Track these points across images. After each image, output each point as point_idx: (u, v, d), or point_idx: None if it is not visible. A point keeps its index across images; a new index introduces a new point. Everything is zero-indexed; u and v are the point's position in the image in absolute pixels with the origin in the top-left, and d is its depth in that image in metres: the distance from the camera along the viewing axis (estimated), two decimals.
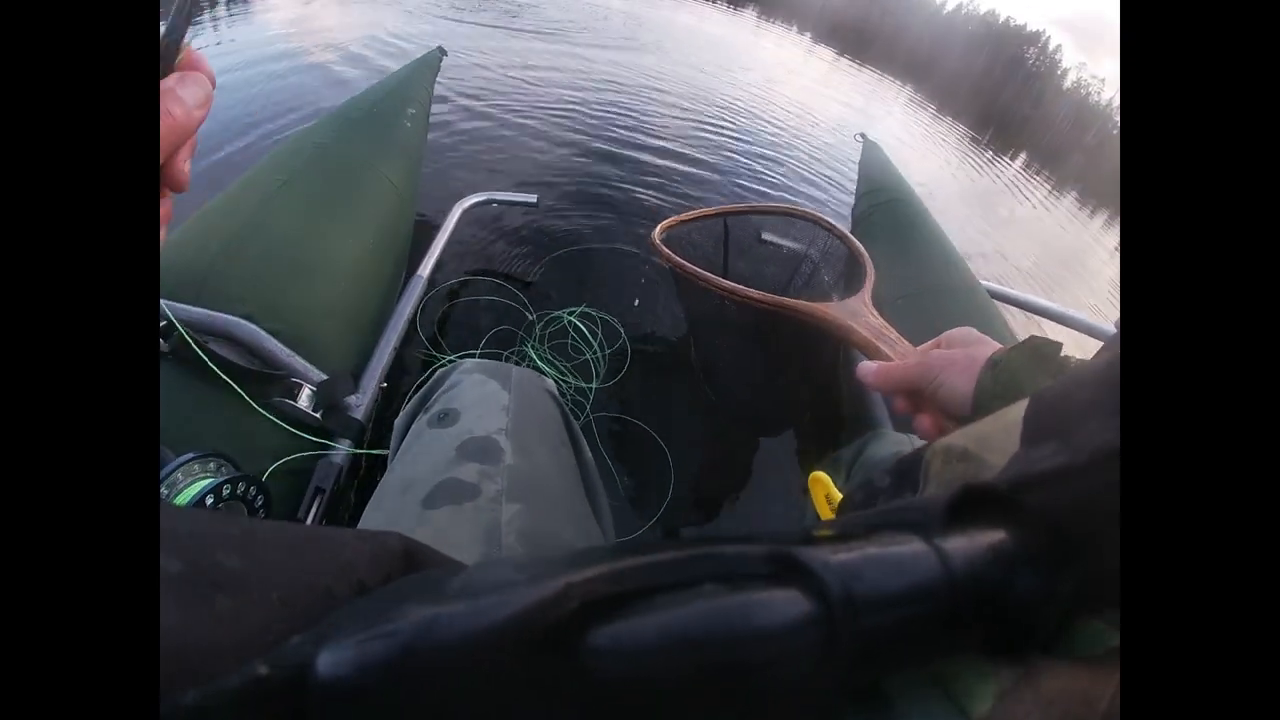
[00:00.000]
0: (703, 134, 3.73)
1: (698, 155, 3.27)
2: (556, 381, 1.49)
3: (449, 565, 0.26)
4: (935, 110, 10.56)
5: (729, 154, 3.46)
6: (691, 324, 1.50)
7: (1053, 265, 4.82)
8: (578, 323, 1.68)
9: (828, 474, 0.84)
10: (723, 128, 3.99)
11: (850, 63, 10.95)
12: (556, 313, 1.70)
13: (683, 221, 1.37)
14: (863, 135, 2.51)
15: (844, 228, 1.34)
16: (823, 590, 0.16)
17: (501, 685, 0.14)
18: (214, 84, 0.29)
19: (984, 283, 1.72)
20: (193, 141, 0.29)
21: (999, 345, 0.48)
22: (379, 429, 1.13)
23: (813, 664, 0.16)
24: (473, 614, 0.15)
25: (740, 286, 1.01)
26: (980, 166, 7.84)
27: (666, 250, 1.16)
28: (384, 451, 1.03)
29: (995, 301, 1.64)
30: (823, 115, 5.46)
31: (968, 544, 0.19)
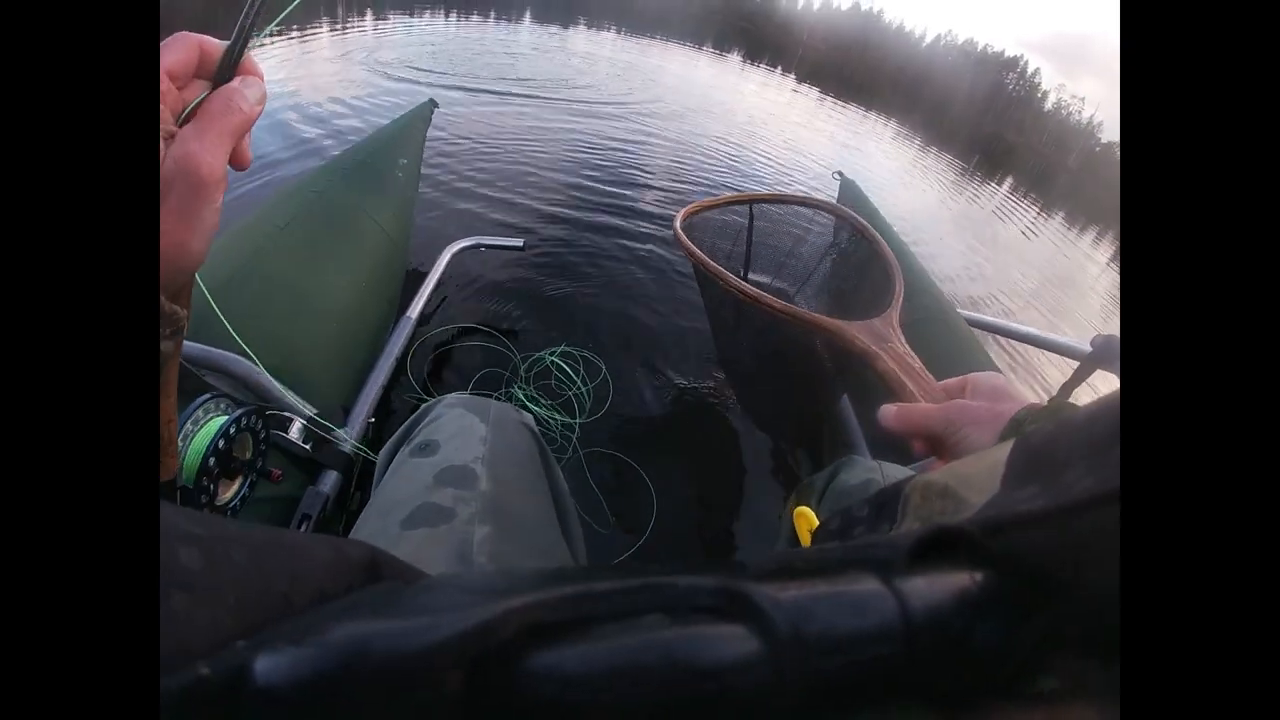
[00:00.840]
0: (686, 175, 3.86)
1: (678, 195, 3.37)
2: (545, 419, 1.54)
3: (413, 576, 0.26)
4: (921, 142, 10.74)
5: (712, 193, 3.53)
6: (712, 318, 1.46)
7: (1050, 287, 4.89)
8: (560, 362, 1.74)
9: (802, 499, 0.82)
10: (707, 168, 4.12)
11: (835, 102, 11.15)
12: (539, 354, 1.75)
13: (707, 207, 1.32)
14: (840, 173, 2.57)
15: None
16: (770, 628, 0.15)
17: (433, 708, 0.14)
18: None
19: (962, 312, 1.77)
20: (250, 131, 0.34)
21: (1024, 401, 0.47)
22: (366, 462, 1.17)
23: (758, 704, 0.15)
24: (408, 633, 0.15)
25: (764, 295, 0.97)
26: (969, 194, 7.96)
27: (688, 242, 1.12)
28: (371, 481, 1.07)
29: (973, 330, 1.68)
30: (810, 154, 5.58)
31: (928, 587, 0.18)
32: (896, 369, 0.69)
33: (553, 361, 1.74)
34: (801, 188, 4.46)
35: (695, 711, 0.15)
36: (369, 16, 6.36)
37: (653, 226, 2.83)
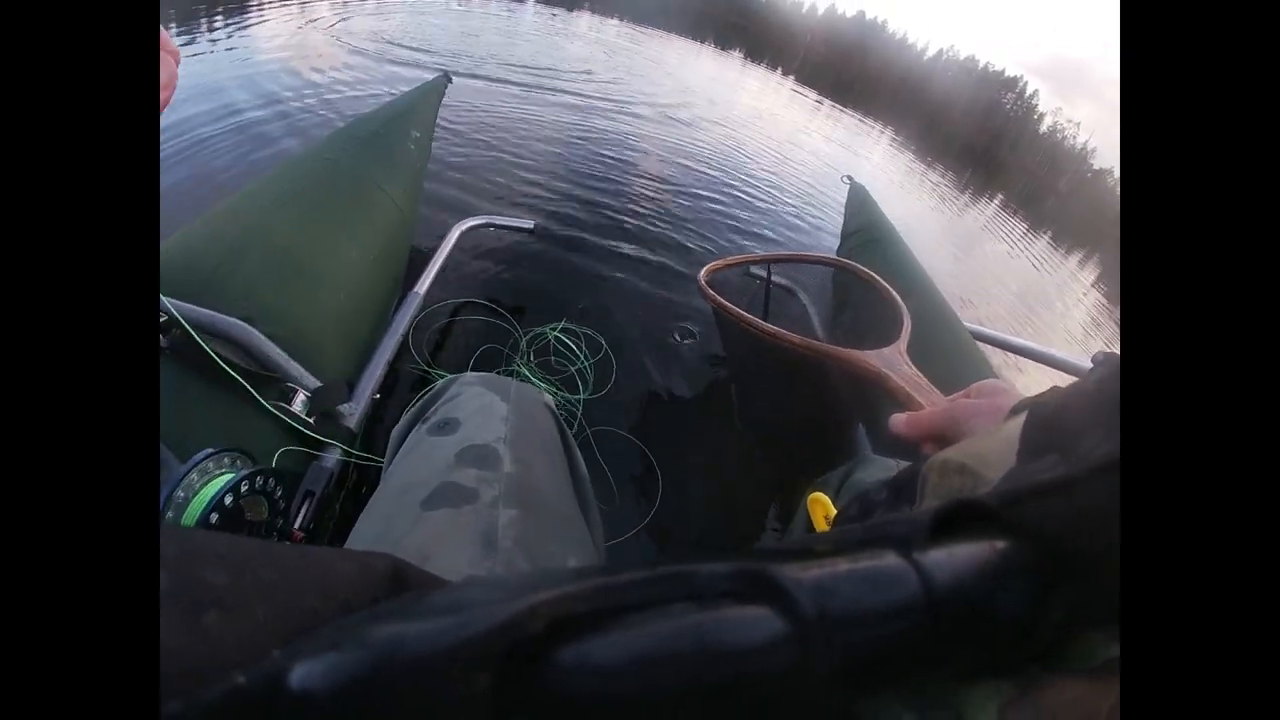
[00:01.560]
0: (689, 171, 3.87)
1: (684, 194, 3.39)
2: (555, 394, 1.54)
3: (436, 584, 0.26)
4: (914, 153, 10.80)
5: (712, 192, 3.58)
6: (732, 363, 1.54)
7: (1029, 302, 4.94)
8: (561, 337, 1.73)
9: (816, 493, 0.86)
10: (709, 165, 4.13)
11: (833, 106, 11.19)
12: (540, 329, 1.75)
13: (728, 265, 1.43)
14: (850, 177, 2.59)
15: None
16: (795, 608, 0.16)
17: (466, 704, 0.14)
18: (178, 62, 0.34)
19: (966, 324, 1.78)
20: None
21: (1019, 394, 0.49)
22: (370, 438, 1.16)
23: (787, 683, 0.15)
24: (438, 632, 0.15)
25: (783, 331, 1.05)
26: (959, 206, 8.02)
27: (713, 293, 1.22)
28: (376, 460, 1.07)
29: (977, 342, 1.70)
30: (804, 156, 5.60)
31: (949, 559, 0.18)
32: (906, 386, 0.76)
33: (555, 336, 1.73)
34: (798, 181, 4.50)
35: (726, 694, 0.15)
36: None
37: (654, 211, 2.85)
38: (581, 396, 1.58)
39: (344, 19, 4.95)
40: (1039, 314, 4.81)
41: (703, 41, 13.00)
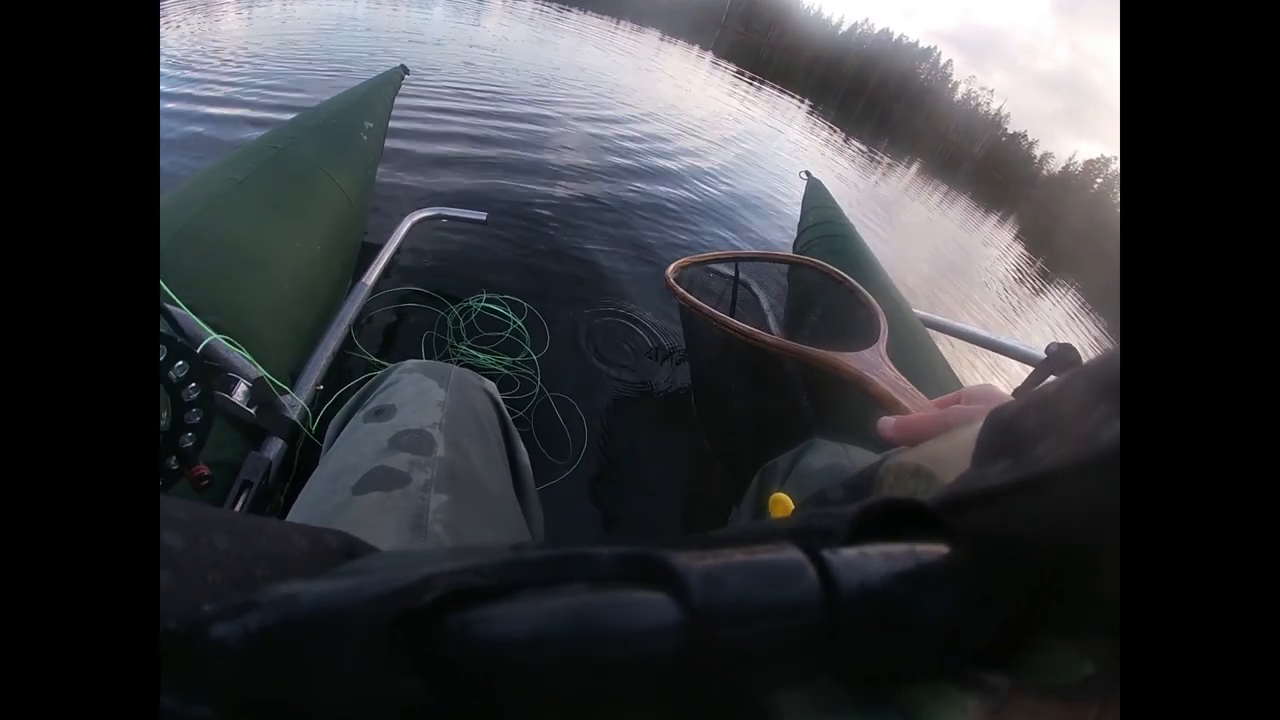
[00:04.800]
0: (624, 155, 3.93)
1: (605, 179, 3.43)
2: (505, 366, 1.57)
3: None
4: (833, 123, 11.02)
5: (645, 179, 3.62)
6: (695, 363, 1.54)
7: (954, 263, 5.12)
8: (490, 306, 1.76)
9: (766, 479, 0.87)
10: (641, 151, 4.17)
11: (750, 81, 11.30)
12: (464, 302, 1.76)
13: (694, 263, 1.38)
14: (807, 173, 2.61)
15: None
16: (686, 595, 0.16)
17: (357, 661, 0.14)
18: None
19: (917, 311, 1.79)
20: None
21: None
22: (312, 430, 1.16)
23: (674, 670, 0.15)
24: (335, 592, 0.15)
25: (758, 331, 1.01)
26: (879, 174, 8.23)
27: (682, 291, 1.18)
28: (317, 448, 1.06)
29: (928, 330, 1.70)
30: (724, 128, 5.67)
31: (861, 559, 0.18)
32: (889, 389, 0.74)
33: (483, 307, 1.76)
34: (723, 151, 4.60)
35: (609, 674, 0.15)
36: None
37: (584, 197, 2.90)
38: (535, 357, 1.61)
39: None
40: (964, 275, 5.00)
41: (618, 20, 12.96)
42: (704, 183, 3.88)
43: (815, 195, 2.41)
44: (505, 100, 4.23)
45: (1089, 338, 6.84)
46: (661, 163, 3.96)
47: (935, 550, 0.18)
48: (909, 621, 0.18)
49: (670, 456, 1.59)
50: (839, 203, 2.33)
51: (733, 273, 1.50)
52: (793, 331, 1.52)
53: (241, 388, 0.93)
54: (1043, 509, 0.19)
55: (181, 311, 0.87)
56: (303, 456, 1.07)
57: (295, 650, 0.15)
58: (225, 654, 0.15)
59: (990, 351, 2.09)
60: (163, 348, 0.70)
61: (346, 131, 1.64)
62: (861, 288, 1.23)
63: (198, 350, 0.77)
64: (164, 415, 0.73)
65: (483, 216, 2.04)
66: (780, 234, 3.37)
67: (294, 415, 1.03)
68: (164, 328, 0.77)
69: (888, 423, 0.52)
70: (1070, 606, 0.18)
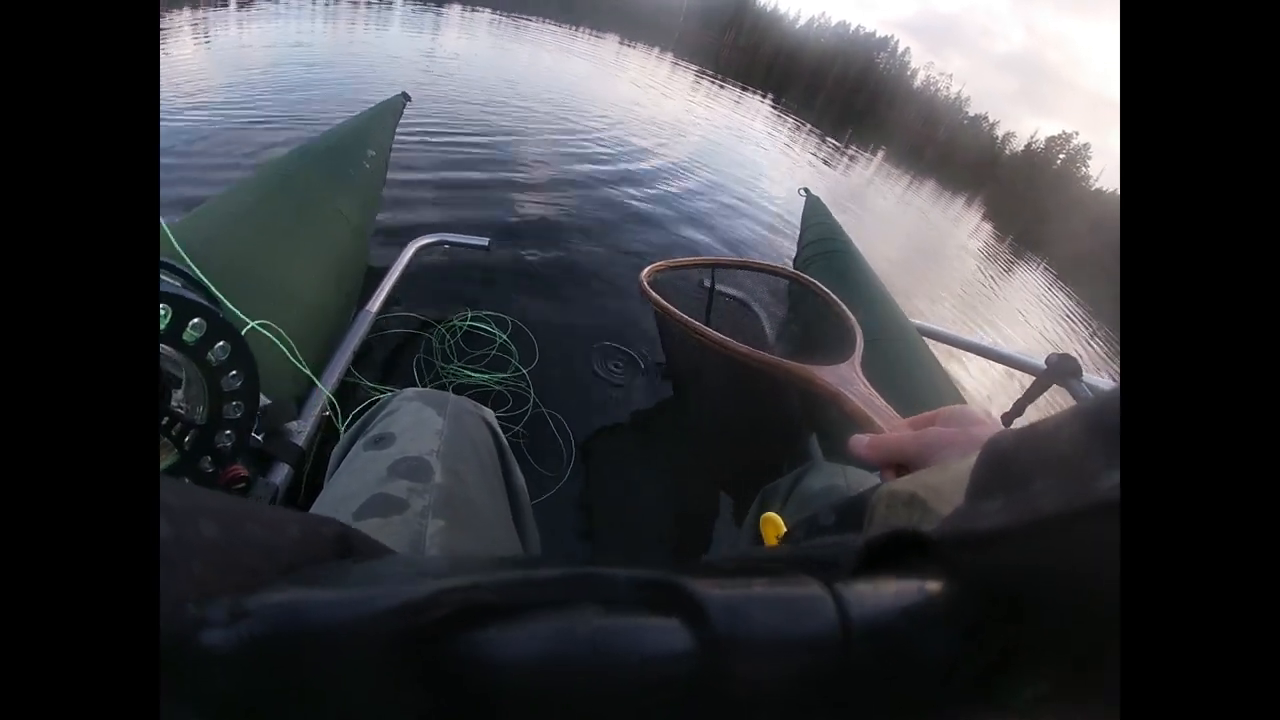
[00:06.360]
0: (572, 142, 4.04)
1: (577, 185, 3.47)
2: (496, 383, 1.58)
3: (383, 553, 0.26)
4: (796, 118, 11.11)
5: (614, 184, 3.65)
6: (674, 368, 1.51)
7: (923, 248, 5.19)
8: (475, 325, 1.78)
9: (767, 502, 0.86)
10: (611, 157, 4.22)
11: (712, 80, 11.38)
12: (449, 322, 1.79)
13: (670, 267, 1.37)
14: (806, 190, 2.65)
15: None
16: (706, 624, 0.15)
17: (362, 679, 0.14)
18: None
19: (915, 322, 1.81)
20: None
21: (996, 424, 0.47)
22: (318, 456, 1.17)
23: (686, 700, 0.15)
24: (342, 604, 0.15)
25: (730, 340, 1.00)
26: (844, 165, 8.32)
27: (655, 295, 1.17)
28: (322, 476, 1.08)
29: (926, 340, 1.71)
30: (690, 131, 5.73)
31: (873, 594, 0.18)
32: (863, 407, 0.72)
33: (469, 326, 1.77)
34: (695, 157, 4.65)
35: (621, 702, 0.15)
36: None
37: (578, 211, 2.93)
38: (525, 371, 1.63)
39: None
40: (937, 259, 5.07)
41: (577, 27, 13.00)
42: (676, 186, 3.93)
43: (814, 212, 2.46)
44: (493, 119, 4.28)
45: (1062, 309, 6.95)
46: (633, 168, 4.02)
47: (937, 585, 0.18)
48: (913, 657, 0.17)
49: (658, 468, 1.59)
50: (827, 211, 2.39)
51: (709, 280, 1.48)
52: (770, 342, 1.51)
53: None
54: (1038, 551, 0.18)
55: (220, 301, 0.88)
56: (308, 482, 1.09)
57: (295, 662, 0.14)
58: (217, 662, 0.14)
59: (989, 360, 2.10)
60: (202, 323, 0.65)
61: (350, 160, 1.67)
62: (838, 300, 1.22)
63: (243, 333, 0.72)
64: (200, 409, 0.69)
65: (485, 242, 2.04)
66: (764, 235, 3.47)
67: (300, 442, 1.05)
68: (195, 295, 0.71)
69: (860, 441, 0.52)
70: (1046, 635, 0.18)
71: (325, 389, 1.22)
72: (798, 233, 2.44)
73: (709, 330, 1.04)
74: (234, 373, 0.67)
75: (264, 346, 1.05)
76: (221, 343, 0.65)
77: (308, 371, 1.04)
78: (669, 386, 1.82)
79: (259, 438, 0.96)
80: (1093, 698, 0.18)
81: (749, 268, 1.55)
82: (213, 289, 0.86)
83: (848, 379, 0.81)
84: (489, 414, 0.81)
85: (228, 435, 0.70)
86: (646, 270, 1.27)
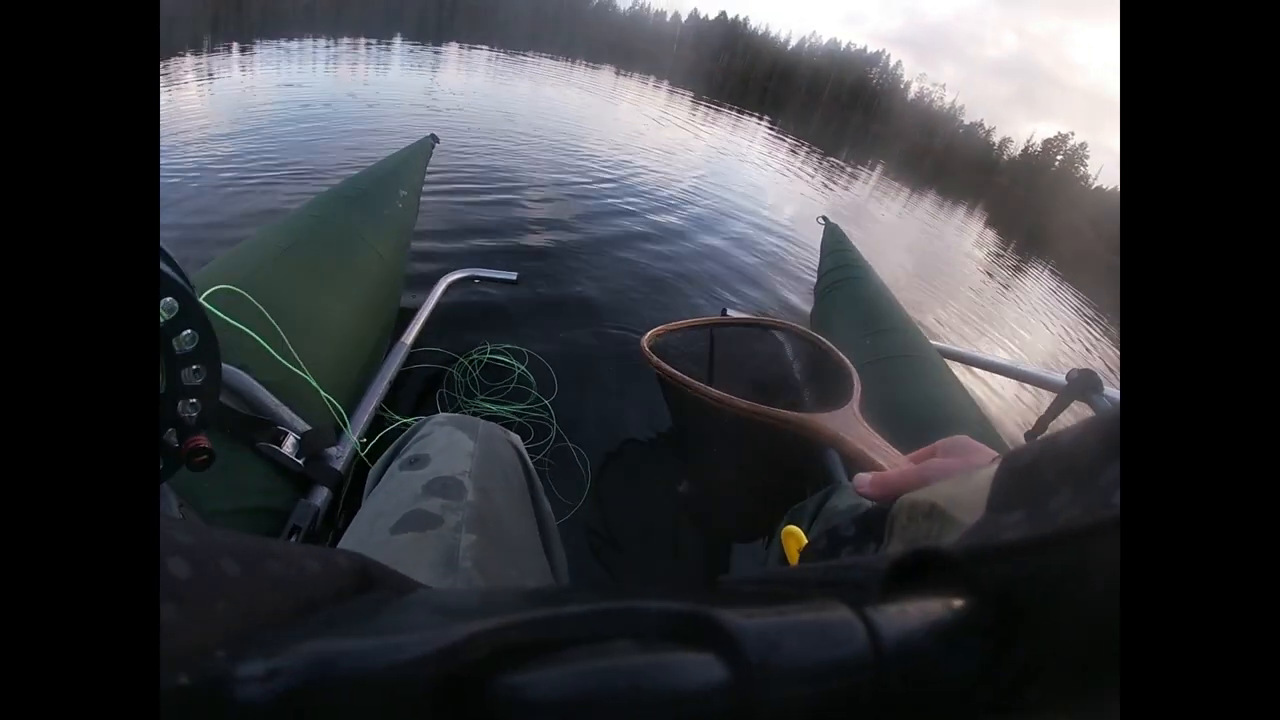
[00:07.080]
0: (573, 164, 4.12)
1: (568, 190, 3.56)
2: (517, 414, 1.61)
3: (402, 584, 0.26)
4: (793, 140, 11.21)
5: (621, 217, 3.68)
6: (677, 427, 1.54)
7: (928, 259, 5.20)
8: (496, 358, 1.81)
9: (794, 522, 0.87)
10: (603, 168, 4.36)
11: (709, 105, 11.51)
12: (469, 355, 1.82)
13: (670, 330, 1.42)
14: (825, 218, 2.70)
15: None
16: (740, 657, 0.15)
17: None
18: None
19: (934, 343, 1.83)
20: None
21: (993, 453, 0.47)
22: (356, 481, 1.20)
23: None
24: (374, 652, 0.15)
25: (730, 396, 1.03)
26: (845, 181, 8.38)
27: (656, 359, 1.22)
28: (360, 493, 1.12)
29: (947, 361, 1.73)
30: (690, 157, 5.81)
31: (901, 616, 0.17)
32: (864, 448, 0.74)
33: (488, 359, 1.80)
34: (699, 185, 4.72)
35: None
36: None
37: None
38: (546, 401, 1.65)
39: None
40: (945, 273, 5.09)
41: (573, 60, 13.23)
42: (679, 216, 3.97)
43: (833, 239, 2.51)
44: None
45: (1072, 306, 6.94)
46: (637, 199, 4.06)
47: (960, 602, 0.18)
48: (940, 676, 0.17)
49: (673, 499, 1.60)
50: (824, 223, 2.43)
51: (709, 338, 1.51)
52: (773, 393, 1.47)
53: (290, 440, 1.00)
54: (1059, 564, 0.19)
55: (239, 370, 0.94)
56: (346, 504, 1.14)
57: (330, 714, 0.14)
58: (247, 715, 0.14)
59: (1010, 379, 2.10)
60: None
61: (383, 200, 1.74)
62: (835, 349, 1.27)
63: (202, 300, 0.68)
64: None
65: (513, 276, 2.10)
66: (775, 264, 3.48)
67: (339, 467, 1.10)
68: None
69: (864, 479, 0.53)
70: (1056, 654, 0.18)
71: (361, 418, 1.28)
72: (817, 259, 2.48)
73: (710, 389, 1.08)
74: (187, 332, 0.62)
75: (304, 381, 1.11)
76: (168, 298, 0.60)
77: (340, 409, 1.08)
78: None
79: (300, 462, 1.01)
80: (1111, 709, 0.18)
81: (745, 324, 1.60)
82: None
83: (847, 424, 0.84)
84: (516, 439, 0.84)
85: (193, 404, 0.65)
86: (647, 335, 1.33)
